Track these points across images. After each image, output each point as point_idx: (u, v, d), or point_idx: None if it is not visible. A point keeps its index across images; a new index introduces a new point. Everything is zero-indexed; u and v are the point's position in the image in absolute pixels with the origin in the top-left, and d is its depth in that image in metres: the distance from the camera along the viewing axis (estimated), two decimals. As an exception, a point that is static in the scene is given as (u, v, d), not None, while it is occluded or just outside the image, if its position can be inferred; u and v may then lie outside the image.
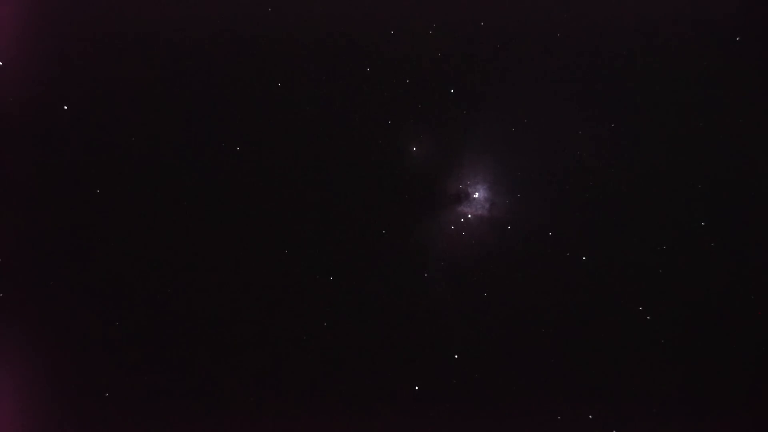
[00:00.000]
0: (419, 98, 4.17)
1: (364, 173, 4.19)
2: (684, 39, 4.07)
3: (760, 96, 4.03)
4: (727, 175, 4.03)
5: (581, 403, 4.04)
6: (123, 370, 4.08)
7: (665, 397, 4.02)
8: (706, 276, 4.03)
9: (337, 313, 4.16)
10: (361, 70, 4.17)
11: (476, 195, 4.18)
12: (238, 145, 4.16)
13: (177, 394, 4.09)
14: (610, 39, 4.09)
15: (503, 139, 4.15)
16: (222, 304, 4.16)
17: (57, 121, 4.09)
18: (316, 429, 4.08)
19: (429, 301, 4.17)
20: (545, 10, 4.12)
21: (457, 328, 4.15)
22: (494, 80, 4.15)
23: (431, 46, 4.15)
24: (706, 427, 3.99)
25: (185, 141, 4.16)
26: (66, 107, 4.08)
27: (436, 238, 4.19)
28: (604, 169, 4.09)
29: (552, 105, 4.12)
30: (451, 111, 4.16)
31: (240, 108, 4.19)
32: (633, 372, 4.05)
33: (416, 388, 4.10)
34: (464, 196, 4.18)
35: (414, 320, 4.16)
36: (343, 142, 4.19)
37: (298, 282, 4.17)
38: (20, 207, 4.07)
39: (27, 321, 4.06)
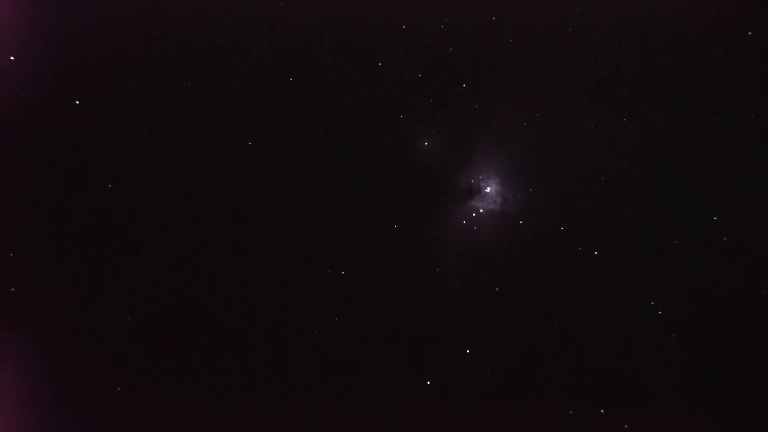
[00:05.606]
0: (431, 93, 4.16)
1: (376, 168, 4.19)
2: (696, 34, 4.06)
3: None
4: (740, 170, 4.01)
5: (593, 398, 4.03)
6: (131, 367, 4.09)
7: (677, 392, 4.01)
8: (718, 271, 4.01)
9: (349, 308, 4.16)
10: (372, 65, 4.17)
11: (488, 190, 4.18)
12: (249, 140, 4.16)
13: (185, 392, 4.09)
14: (623, 34, 4.08)
15: (515, 133, 4.15)
16: (232, 299, 4.16)
17: (66, 118, 4.09)
18: (326, 424, 4.08)
19: (440, 296, 4.17)
20: (557, 5, 4.11)
21: (468, 323, 4.14)
22: (506, 75, 4.15)
23: (443, 41, 4.15)
24: (718, 424, 3.97)
25: (198, 136, 4.16)
26: (77, 102, 4.08)
27: (448, 233, 4.18)
28: (617, 164, 4.08)
29: (564, 100, 4.11)
30: (463, 106, 4.15)
31: (251, 104, 4.19)
32: (645, 367, 4.03)
33: (428, 383, 4.10)
34: (476, 191, 4.18)
35: (425, 315, 4.15)
36: (355, 137, 4.19)
37: (309, 277, 4.17)
38: (25, 205, 4.08)
39: (31, 318, 4.07)
